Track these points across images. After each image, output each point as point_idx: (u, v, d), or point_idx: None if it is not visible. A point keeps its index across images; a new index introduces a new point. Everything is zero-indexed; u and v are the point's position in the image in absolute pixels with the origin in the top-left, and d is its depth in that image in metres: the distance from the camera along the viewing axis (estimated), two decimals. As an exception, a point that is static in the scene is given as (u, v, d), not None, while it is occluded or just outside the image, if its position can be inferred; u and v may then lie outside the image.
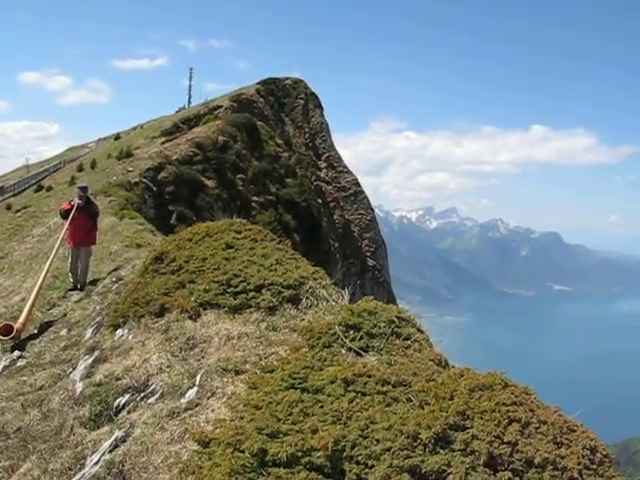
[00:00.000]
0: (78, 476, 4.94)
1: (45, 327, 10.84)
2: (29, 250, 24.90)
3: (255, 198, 51.91)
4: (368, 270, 71.10)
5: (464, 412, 3.78)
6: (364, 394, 4.33)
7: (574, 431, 3.68)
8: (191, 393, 5.37)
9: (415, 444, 3.62)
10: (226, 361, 5.66)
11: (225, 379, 5.37)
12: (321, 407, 4.21)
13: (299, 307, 6.89)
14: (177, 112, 78.27)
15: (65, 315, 11.46)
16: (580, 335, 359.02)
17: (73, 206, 13.85)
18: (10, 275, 19.73)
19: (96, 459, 5.00)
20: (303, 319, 6.48)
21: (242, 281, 7.32)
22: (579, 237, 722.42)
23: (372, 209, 77.78)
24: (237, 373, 5.44)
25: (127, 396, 6.07)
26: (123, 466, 4.58)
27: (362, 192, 74.94)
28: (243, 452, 3.76)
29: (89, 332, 9.41)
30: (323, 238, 58.67)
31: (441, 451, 3.56)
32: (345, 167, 75.31)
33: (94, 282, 13.67)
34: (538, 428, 3.65)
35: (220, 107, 63.91)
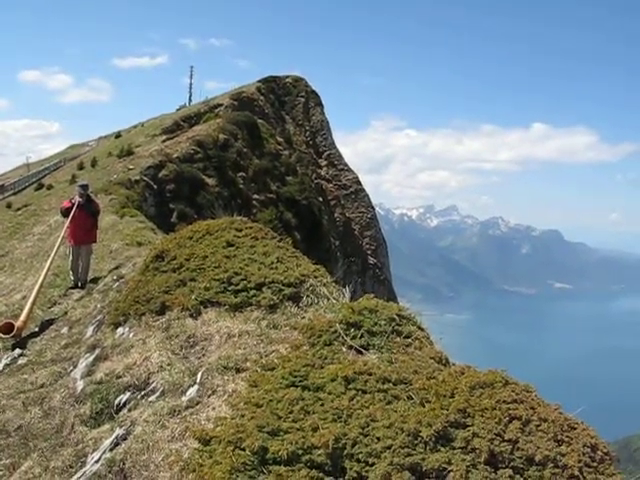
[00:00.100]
0: (79, 474, 4.95)
1: (46, 325, 10.85)
2: (30, 248, 24.90)
3: (256, 196, 51.91)
4: (369, 268, 71.12)
5: (465, 410, 3.78)
6: (365, 392, 4.33)
7: (575, 429, 3.68)
8: (192, 391, 5.37)
9: (416, 442, 3.62)
10: (227, 359, 5.66)
11: (226, 377, 5.37)
12: (322, 405, 4.21)
13: (300, 305, 6.89)
14: (178, 110, 78.21)
15: (66, 313, 11.47)
16: (581, 333, 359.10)
17: (74, 204, 13.85)
18: (11, 273, 19.73)
19: (97, 457, 5.01)
20: (304, 317, 6.47)
21: (243, 279, 7.32)
22: (580, 235, 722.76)
23: (373, 207, 77.76)
24: (238, 371, 5.44)
25: (128, 394, 6.08)
26: (124, 464, 4.58)
27: (363, 190, 74.94)
28: (244, 450, 3.76)
29: (90, 330, 9.41)
30: (324, 236, 58.66)
31: (442, 449, 3.56)
32: (346, 165, 75.29)
33: (95, 280, 13.67)
34: (539, 426, 3.65)
35: (221, 105, 63.89)
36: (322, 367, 4.80)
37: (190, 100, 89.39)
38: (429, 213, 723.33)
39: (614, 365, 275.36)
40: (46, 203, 38.91)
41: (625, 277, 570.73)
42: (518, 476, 3.36)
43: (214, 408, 4.91)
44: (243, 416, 4.27)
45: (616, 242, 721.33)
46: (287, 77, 75.51)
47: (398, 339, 5.30)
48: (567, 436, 3.60)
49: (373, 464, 3.55)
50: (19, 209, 40.24)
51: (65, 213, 14.08)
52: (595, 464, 3.47)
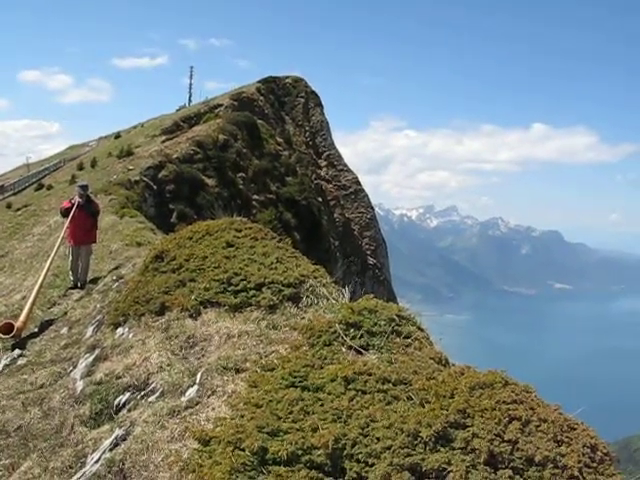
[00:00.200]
0: (79, 474, 4.95)
1: (46, 325, 10.85)
2: (30, 249, 24.91)
3: (255, 197, 51.93)
4: (368, 268, 71.13)
5: (464, 410, 3.78)
6: (364, 392, 4.33)
7: (574, 429, 3.68)
8: (191, 391, 5.37)
9: (415, 442, 3.62)
10: (226, 359, 5.66)
11: (225, 377, 5.37)
12: (321, 405, 4.21)
13: (299, 305, 6.89)
14: (177, 111, 78.23)
15: (66, 313, 11.47)
16: (581, 333, 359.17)
17: (73, 204, 13.86)
18: (11, 274, 19.73)
19: (97, 457, 5.01)
20: (303, 317, 6.47)
21: (242, 279, 7.32)
22: (580, 235, 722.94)
23: (372, 207, 77.78)
24: (237, 371, 5.44)
25: (127, 394, 6.07)
26: (123, 464, 4.58)
27: (362, 190, 74.95)
28: (243, 450, 3.76)
29: (90, 330, 9.41)
30: (323, 236, 58.67)
31: (441, 449, 3.56)
32: (345, 165, 75.31)
33: (94, 280, 13.67)
34: (538, 426, 3.65)
35: (220, 106, 63.91)
36: (322, 367, 4.80)
37: (190, 100, 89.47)
38: (429, 213, 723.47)
39: (614, 365, 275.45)
40: (46, 203, 38.92)
41: (625, 277, 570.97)
42: (518, 477, 3.36)
43: (214, 408, 4.91)
44: (243, 416, 4.27)
45: (616, 243, 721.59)
46: (287, 77, 75.54)
47: (398, 339, 5.30)
48: (567, 436, 3.60)
49: (373, 464, 3.55)
50: (19, 209, 40.25)
51: (65, 213, 14.09)
52: (595, 464, 3.47)
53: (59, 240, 14.18)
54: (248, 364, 5.50)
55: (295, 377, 4.66)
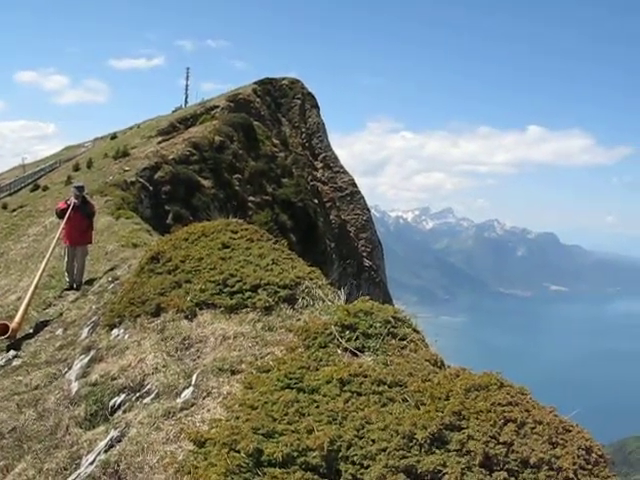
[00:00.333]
0: (73, 476, 4.93)
1: (41, 326, 10.83)
2: (25, 249, 24.87)
3: (251, 198, 51.89)
4: (364, 270, 71.12)
5: (460, 412, 3.78)
6: (360, 394, 4.33)
7: (569, 431, 3.69)
8: (187, 393, 5.37)
9: (411, 444, 3.62)
10: (222, 361, 5.66)
11: (221, 379, 5.36)
12: (317, 407, 4.21)
13: (295, 307, 6.88)
14: (174, 112, 78.13)
15: (61, 314, 11.45)
16: (576, 335, 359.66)
17: (69, 205, 13.85)
18: (6, 274, 19.71)
19: (91, 459, 5.00)
20: (299, 319, 6.47)
21: (238, 281, 7.32)
22: (576, 238, 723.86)
23: (368, 209, 77.78)
24: (233, 373, 5.43)
25: (123, 396, 6.07)
26: (118, 466, 4.57)
27: (358, 192, 74.95)
28: (239, 452, 3.76)
29: (85, 332, 9.40)
30: (319, 238, 58.65)
31: (437, 451, 3.56)
32: (341, 167, 75.32)
33: (90, 282, 13.66)
34: (534, 428, 3.66)
35: (217, 107, 63.86)
36: (317, 369, 4.80)
37: (186, 102, 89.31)
38: (425, 215, 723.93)
39: (609, 368, 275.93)
40: (41, 204, 38.86)
41: (621, 280, 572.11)
42: (513, 479, 3.37)
43: (209, 410, 4.91)
44: (238, 418, 4.26)
45: (612, 245, 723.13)
46: (283, 79, 75.53)
47: (393, 341, 5.30)
48: (562, 439, 3.60)
49: (368, 466, 3.55)
50: (14, 210, 40.16)
51: (60, 214, 14.08)
52: (590, 467, 3.48)
53: (54, 241, 14.17)
54: (244, 366, 5.49)
55: (291, 379, 4.66)
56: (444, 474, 3.38)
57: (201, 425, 4.64)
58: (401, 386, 4.38)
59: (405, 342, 5.30)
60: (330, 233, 65.44)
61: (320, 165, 72.42)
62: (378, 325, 5.45)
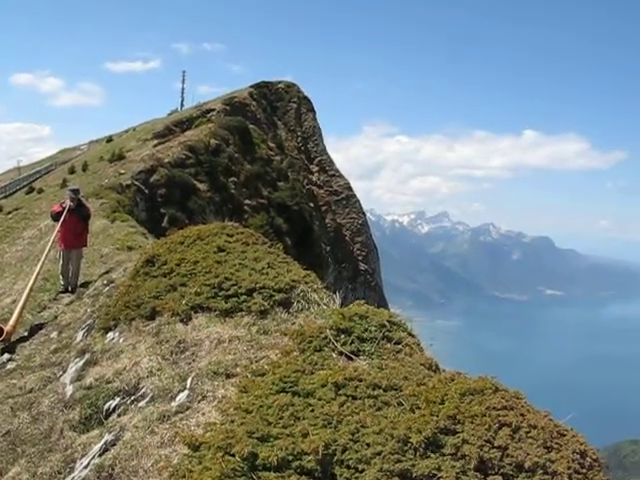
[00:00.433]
0: (67, 480, 4.93)
1: (35, 330, 10.81)
2: (20, 252, 24.82)
3: (247, 201, 51.89)
4: (360, 274, 71.13)
5: (455, 416, 3.78)
6: (355, 398, 4.33)
7: (564, 435, 3.69)
8: (182, 396, 5.36)
9: (406, 448, 3.62)
10: (217, 364, 5.65)
11: (216, 382, 5.36)
12: (312, 411, 4.21)
13: (290, 311, 6.88)
14: (169, 115, 78.08)
15: (56, 318, 11.43)
16: (571, 339, 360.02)
17: (64, 208, 13.83)
18: (1, 277, 19.65)
19: (86, 463, 4.99)
20: (294, 323, 6.47)
21: (233, 284, 7.31)
22: (570, 242, 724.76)
23: (364, 213, 77.82)
24: (228, 377, 5.43)
25: (117, 399, 6.05)
26: (113, 470, 4.57)
27: (354, 196, 74.99)
28: (233, 456, 3.75)
29: (80, 335, 9.38)
30: (315, 242, 58.65)
31: (432, 455, 3.56)
32: (337, 171, 75.37)
33: (85, 285, 13.63)
34: (528, 432, 3.66)
35: (213, 110, 63.83)
36: (312, 373, 4.79)
37: (182, 105, 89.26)
38: (420, 219, 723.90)
39: (604, 372, 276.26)
40: (37, 207, 38.80)
41: (614, 284, 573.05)
42: (507, 483, 3.37)
43: (204, 414, 4.90)
44: (233, 422, 4.26)
45: (606, 249, 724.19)
46: (279, 83, 75.57)
47: (388, 345, 5.30)
48: (557, 443, 3.61)
49: (363, 470, 3.55)
50: (10, 213, 40.08)
51: (56, 217, 14.06)
52: (584, 471, 3.48)
53: (50, 244, 14.15)
54: (239, 369, 5.49)
55: (286, 382, 4.65)
56: (439, 478, 3.38)
57: (196, 429, 4.64)
58: (396, 390, 4.39)
59: (400, 346, 5.31)
60: (325, 237, 65.45)
61: (316, 169, 72.45)
62: (373, 329, 5.45)
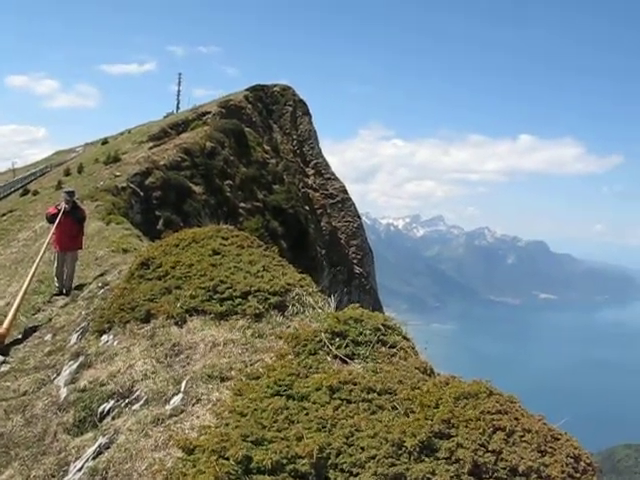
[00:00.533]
0: (61, 483, 4.91)
1: (29, 332, 10.78)
2: (14, 254, 24.74)
3: (242, 204, 51.85)
4: (355, 277, 71.14)
5: (449, 420, 3.79)
6: (349, 402, 4.33)
7: (558, 439, 3.70)
8: (176, 400, 5.35)
9: (400, 452, 3.62)
10: (211, 368, 5.65)
11: (210, 386, 5.35)
12: (306, 414, 4.21)
13: (285, 314, 6.89)
14: (165, 117, 78.00)
15: (50, 320, 11.40)
16: (565, 343, 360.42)
17: (60, 210, 13.81)
18: (-5, 279, 19.58)
19: (79, 466, 4.97)
20: (289, 326, 6.47)
21: (228, 287, 7.31)
22: (566, 246, 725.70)
23: (359, 216, 77.85)
24: (222, 380, 5.42)
25: (111, 402, 6.04)
26: (107, 473, 4.56)
27: (349, 199, 75.03)
28: (228, 459, 3.74)
29: (74, 337, 9.36)
30: (310, 245, 58.65)
31: (426, 459, 3.56)
32: (332, 174, 75.40)
33: (80, 287, 13.61)
34: (522, 436, 3.67)
35: (208, 113, 63.82)
36: (307, 376, 4.79)
37: (178, 107, 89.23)
38: (415, 223, 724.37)
39: (598, 376, 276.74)
40: (31, 209, 38.69)
41: (609, 288, 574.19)
42: (501, 487, 3.37)
43: (198, 417, 4.89)
44: (227, 425, 4.25)
45: (601, 254, 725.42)
46: (275, 86, 75.61)
47: (383, 349, 5.31)
48: (550, 447, 3.61)
49: (357, 474, 3.55)
50: (4, 215, 39.94)
51: (51, 219, 14.04)
52: (578, 475, 3.49)
53: (44, 246, 14.12)
54: (233, 372, 5.49)
55: (280, 386, 4.65)
56: (433, 482, 3.39)
57: (190, 432, 4.63)
58: (391, 394, 4.39)
59: (395, 350, 5.31)
60: (321, 240, 65.46)
61: (311, 172, 72.48)
62: (368, 332, 5.45)
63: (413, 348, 5.52)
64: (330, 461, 3.67)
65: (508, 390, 4.25)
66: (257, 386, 4.78)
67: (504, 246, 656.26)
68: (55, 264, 14.01)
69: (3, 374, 8.64)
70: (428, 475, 3.42)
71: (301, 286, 7.41)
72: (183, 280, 7.95)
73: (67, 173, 52.76)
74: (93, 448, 5.11)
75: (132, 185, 40.36)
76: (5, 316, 11.14)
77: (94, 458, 4.91)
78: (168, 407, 5.27)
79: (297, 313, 6.87)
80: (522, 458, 3.48)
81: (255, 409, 4.36)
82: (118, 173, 42.58)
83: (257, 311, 6.83)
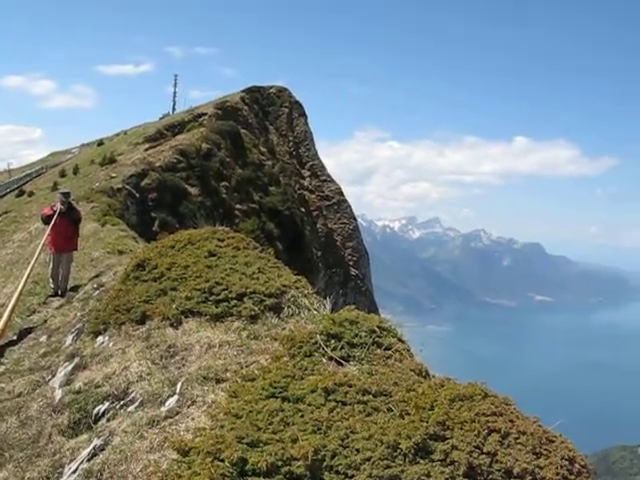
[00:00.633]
0: (56, 485, 4.90)
1: (24, 333, 10.75)
2: (10, 255, 24.68)
3: (238, 206, 51.82)
4: (350, 279, 71.11)
5: (444, 422, 3.79)
6: (344, 404, 4.33)
7: (553, 441, 3.71)
8: (171, 401, 5.34)
9: (395, 454, 3.62)
10: (207, 369, 5.65)
11: (206, 387, 5.35)
12: (301, 416, 4.20)
13: (281, 316, 6.89)
14: (161, 119, 77.92)
15: (45, 321, 11.37)
16: (561, 345, 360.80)
17: (55, 212, 13.78)
18: (-10, 281, 19.53)
19: (74, 468, 4.96)
20: (284, 328, 6.47)
21: (224, 289, 7.31)
22: (561, 248, 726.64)
23: (355, 218, 77.84)
24: (218, 382, 5.42)
25: (107, 404, 6.03)
26: (101, 475, 4.55)
27: (345, 201, 75.03)
28: (223, 461, 3.74)
29: (69, 339, 9.34)
30: (306, 247, 58.64)
31: (421, 461, 3.57)
32: (328, 176, 75.40)
33: (75, 288, 13.58)
34: (517, 438, 3.67)
35: (204, 114, 63.77)
36: (302, 378, 4.79)
37: (174, 109, 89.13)
38: (411, 225, 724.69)
39: (593, 378, 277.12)
40: (27, 210, 38.60)
41: (603, 290, 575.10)
42: (496, 489, 3.38)
43: (193, 419, 4.89)
44: (222, 427, 4.25)
45: (595, 256, 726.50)
46: (271, 87, 75.59)
47: (378, 351, 5.31)
48: (545, 449, 3.62)
49: (352, 476, 3.55)
50: (-1, 215, 39.89)
51: (46, 220, 14.01)
52: (573, 477, 3.50)
53: (40, 247, 14.09)
54: (229, 374, 5.48)
55: (275, 388, 4.65)
56: (428, 484, 3.39)
57: (185, 434, 4.62)
58: (386, 396, 4.39)
59: (390, 352, 5.31)
60: (317, 242, 65.44)
61: (307, 173, 72.47)
62: (363, 334, 5.46)
63: (408, 350, 5.53)
64: (325, 463, 3.67)
65: (503, 392, 4.25)
66: (252, 388, 4.78)
67: (500, 248, 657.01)
68: (50, 265, 13.99)
69: (-2, 375, 8.62)
70: (423, 477, 3.42)
71: (297, 288, 7.41)
72: (179, 282, 7.95)
73: (63, 174, 52.69)
74: (88, 450, 5.11)
75: (128, 186, 40.32)
76: (0, 317, 11.12)
77: (89, 460, 4.91)
78: (163, 409, 5.26)
79: (293, 315, 6.87)
80: (517, 460, 3.49)
81: (250, 411, 4.36)
82: (114, 174, 42.53)
83: (253, 313, 6.83)
